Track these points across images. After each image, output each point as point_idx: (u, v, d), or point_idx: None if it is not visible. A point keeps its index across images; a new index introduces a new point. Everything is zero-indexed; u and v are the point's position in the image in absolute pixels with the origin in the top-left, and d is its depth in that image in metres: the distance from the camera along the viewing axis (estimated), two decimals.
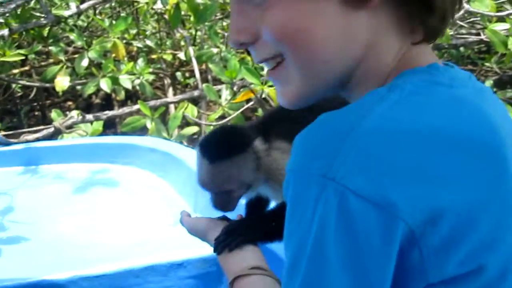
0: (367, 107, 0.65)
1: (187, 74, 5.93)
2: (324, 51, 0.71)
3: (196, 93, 3.85)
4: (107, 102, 6.30)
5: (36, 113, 6.71)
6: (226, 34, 4.75)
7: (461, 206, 0.62)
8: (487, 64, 5.85)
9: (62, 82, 3.85)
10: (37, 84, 4.61)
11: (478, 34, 3.25)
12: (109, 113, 3.63)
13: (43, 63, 5.47)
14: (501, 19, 2.68)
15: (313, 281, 0.62)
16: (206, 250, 1.70)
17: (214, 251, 1.16)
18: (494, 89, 5.12)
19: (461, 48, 5.63)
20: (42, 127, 3.48)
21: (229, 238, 1.15)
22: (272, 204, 1.26)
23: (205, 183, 1.16)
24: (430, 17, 0.72)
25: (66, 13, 4.07)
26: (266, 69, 0.82)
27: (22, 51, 4.01)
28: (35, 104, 6.50)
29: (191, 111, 3.05)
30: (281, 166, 1.12)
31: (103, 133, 3.58)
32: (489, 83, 5.06)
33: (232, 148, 1.14)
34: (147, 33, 5.55)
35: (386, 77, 0.73)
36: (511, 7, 2.86)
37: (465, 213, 0.63)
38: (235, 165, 1.13)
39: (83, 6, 4.22)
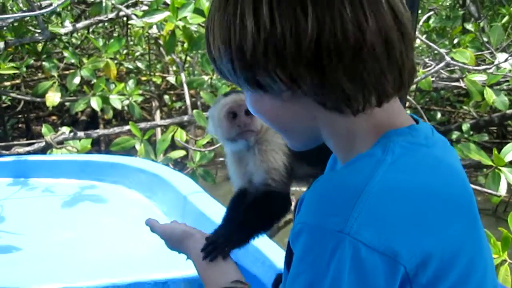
0: (370, 170, 0.81)
1: (174, 98, 6.01)
2: (294, 130, 0.92)
3: (185, 118, 3.94)
4: (93, 119, 6.35)
5: (20, 125, 6.72)
6: None
7: (444, 250, 0.79)
8: (465, 107, 6.01)
9: (53, 98, 3.91)
10: (28, 98, 4.65)
11: (458, 80, 3.43)
12: (100, 131, 3.69)
13: (34, 78, 5.52)
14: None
15: None
16: (189, 271, 1.77)
17: (203, 259, 1.27)
18: (471, 132, 5.24)
19: (442, 91, 5.79)
20: (34, 140, 3.52)
21: (218, 249, 1.28)
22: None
23: None
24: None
25: (62, 30, 4.16)
26: None
27: (14, 64, 4.07)
28: (20, 116, 6.51)
29: (180, 135, 3.13)
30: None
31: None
32: (466, 126, 5.14)
33: None
34: (137, 54, 5.64)
35: (364, 133, 0.88)
36: (490, 56, 3.03)
37: (447, 256, 0.79)
38: None
39: (79, 25, 4.31)
